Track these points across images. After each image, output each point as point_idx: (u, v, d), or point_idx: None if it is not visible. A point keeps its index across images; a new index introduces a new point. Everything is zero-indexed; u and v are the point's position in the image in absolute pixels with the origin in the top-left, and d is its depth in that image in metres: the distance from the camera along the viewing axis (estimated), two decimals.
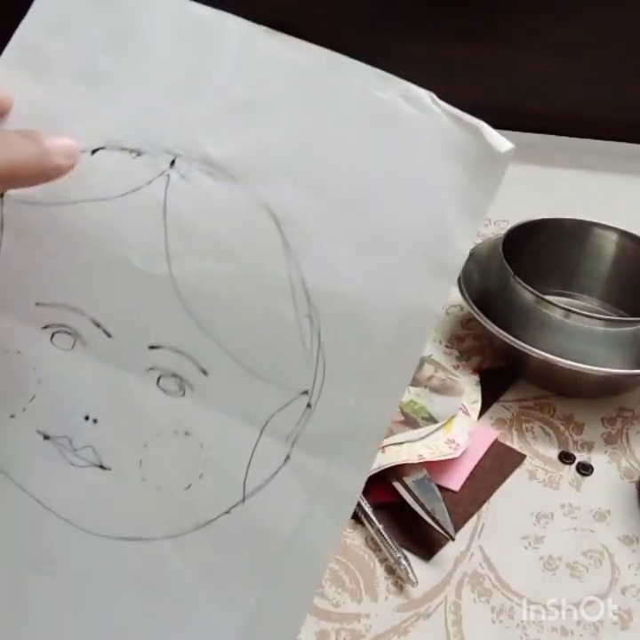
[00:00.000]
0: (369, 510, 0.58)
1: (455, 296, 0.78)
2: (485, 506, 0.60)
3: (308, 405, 0.31)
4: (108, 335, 0.32)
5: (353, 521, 0.58)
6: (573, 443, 0.66)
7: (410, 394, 0.66)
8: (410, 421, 0.63)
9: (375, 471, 0.58)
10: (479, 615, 0.53)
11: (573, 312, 0.67)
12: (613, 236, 0.79)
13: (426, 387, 0.67)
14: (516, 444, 0.66)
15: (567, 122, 1.08)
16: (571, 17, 1.03)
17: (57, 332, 0.32)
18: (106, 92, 0.32)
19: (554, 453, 0.65)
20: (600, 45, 1.04)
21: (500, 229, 0.87)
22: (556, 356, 0.65)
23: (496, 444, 0.65)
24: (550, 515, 0.60)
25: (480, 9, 0.99)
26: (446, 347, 0.74)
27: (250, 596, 0.32)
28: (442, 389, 0.67)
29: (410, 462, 0.59)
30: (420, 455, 0.60)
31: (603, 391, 0.70)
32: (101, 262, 0.32)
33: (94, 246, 0.32)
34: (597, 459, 0.65)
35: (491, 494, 0.61)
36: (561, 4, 1.02)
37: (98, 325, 0.32)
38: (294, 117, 0.31)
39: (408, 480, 0.58)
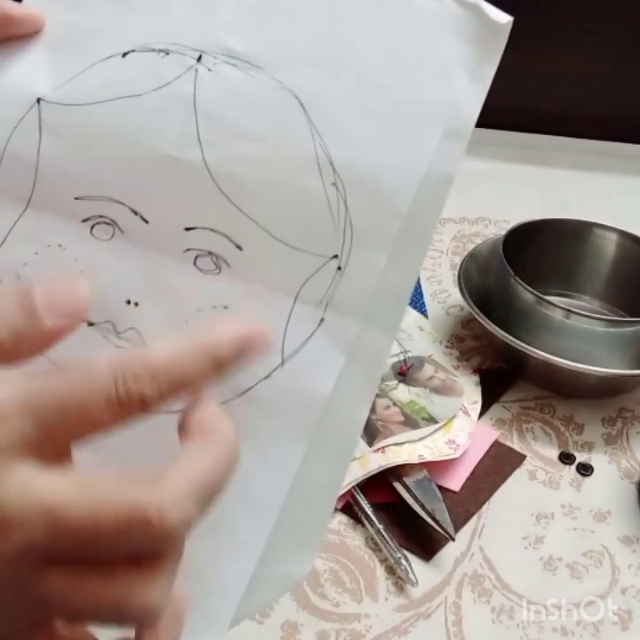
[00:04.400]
0: (369, 510, 0.58)
1: (455, 296, 0.78)
2: (485, 506, 0.60)
3: (339, 268, 0.33)
4: (146, 222, 0.34)
5: (353, 521, 0.58)
6: (573, 443, 0.66)
7: (410, 394, 0.66)
8: (410, 422, 0.63)
9: (375, 471, 0.58)
10: (479, 615, 0.53)
11: (573, 312, 0.67)
12: (613, 237, 0.79)
13: (426, 387, 0.67)
14: (516, 444, 0.66)
15: (567, 122, 1.08)
16: (570, 17, 1.03)
17: (96, 223, 0.34)
18: (131, 7, 0.35)
19: (554, 454, 0.65)
20: (600, 45, 1.04)
21: (501, 230, 0.87)
22: (556, 356, 0.65)
23: (496, 445, 0.65)
24: (550, 515, 0.60)
25: None
26: (446, 347, 0.74)
27: (293, 457, 0.33)
28: (442, 390, 0.67)
29: (410, 462, 0.59)
30: (421, 455, 0.60)
31: (603, 391, 0.70)
32: (136, 154, 0.34)
33: (129, 139, 0.34)
34: (597, 459, 0.65)
35: (491, 494, 0.61)
36: (561, 5, 1.02)
37: (135, 213, 0.34)
38: (307, 11, 0.34)
39: (408, 480, 0.58)
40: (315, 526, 0.35)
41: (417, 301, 0.80)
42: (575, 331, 0.67)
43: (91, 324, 0.34)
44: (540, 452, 0.65)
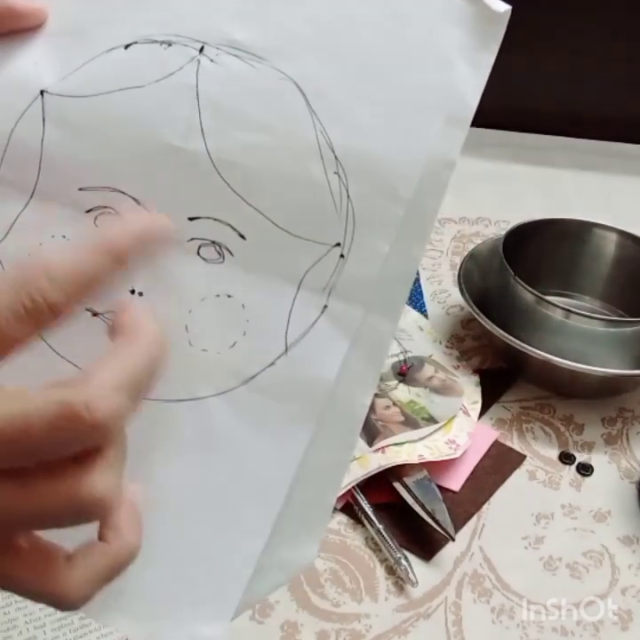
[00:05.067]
0: (369, 510, 0.58)
1: (455, 296, 0.78)
2: (485, 506, 0.60)
3: (342, 256, 0.34)
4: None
5: (353, 521, 0.58)
6: (573, 443, 0.66)
7: (410, 394, 0.66)
8: (410, 422, 0.63)
9: (375, 471, 0.58)
10: (479, 615, 0.53)
11: (573, 312, 0.67)
12: (613, 237, 0.79)
13: (426, 387, 0.67)
14: (516, 444, 0.66)
15: (567, 122, 1.08)
16: (571, 17, 1.03)
17: (100, 214, 0.34)
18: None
19: (554, 454, 0.65)
20: (600, 45, 1.04)
21: (501, 230, 0.87)
22: (556, 356, 0.65)
23: (496, 445, 0.65)
24: (550, 515, 0.60)
25: None
26: (446, 347, 0.74)
27: (298, 442, 0.34)
28: (442, 390, 0.67)
29: (410, 462, 0.59)
30: (421, 455, 0.60)
31: (603, 391, 0.70)
32: (139, 144, 0.34)
33: (132, 130, 0.34)
34: (597, 459, 0.65)
35: (491, 495, 0.61)
36: (561, 5, 1.02)
37: (138, 203, 0.34)
38: (308, 1, 0.35)
39: (408, 480, 0.58)
40: (320, 511, 0.35)
41: (417, 301, 0.80)
42: (575, 331, 0.67)
43: (95, 314, 0.34)
44: (540, 452, 0.65)
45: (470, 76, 0.33)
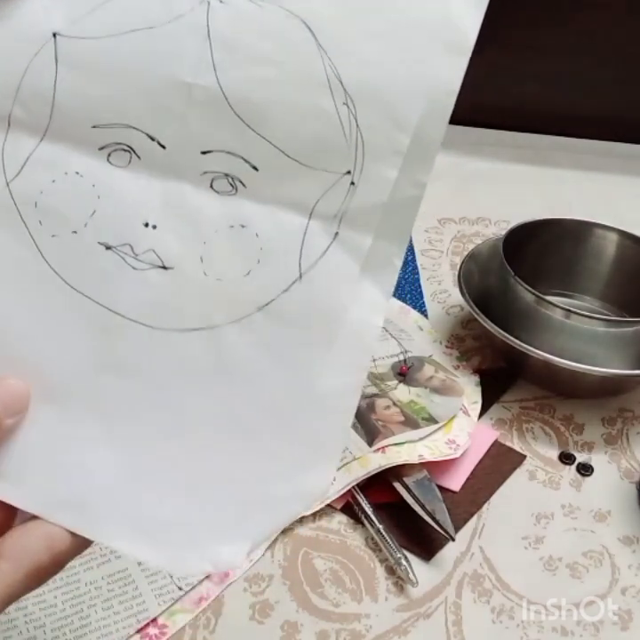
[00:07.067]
0: (369, 510, 0.58)
1: (455, 296, 0.78)
2: (485, 506, 0.60)
3: (352, 183, 0.35)
4: (163, 147, 0.35)
5: (353, 521, 0.58)
6: (573, 443, 0.66)
7: (410, 394, 0.66)
8: (410, 422, 0.63)
9: (375, 471, 0.58)
10: (479, 615, 0.53)
11: (574, 312, 0.67)
12: (613, 237, 0.79)
13: (426, 387, 0.67)
14: (516, 444, 0.66)
15: (567, 122, 1.08)
16: (570, 17, 1.03)
17: (114, 150, 0.35)
18: None
19: (554, 454, 0.65)
20: (599, 45, 1.05)
21: (501, 230, 0.87)
22: (557, 356, 0.65)
23: (496, 445, 0.65)
24: (550, 515, 0.60)
25: None
26: (446, 347, 0.74)
27: (314, 366, 0.35)
28: (442, 390, 0.67)
29: (410, 462, 0.59)
30: (421, 455, 0.60)
31: (603, 391, 0.70)
32: (152, 81, 0.35)
33: (144, 68, 0.35)
34: (597, 459, 0.65)
35: (491, 495, 0.61)
36: (559, 4, 1.02)
37: (152, 139, 0.35)
38: None
39: (408, 480, 0.58)
40: (335, 436, 0.36)
41: (417, 301, 0.80)
42: (575, 331, 0.67)
43: (108, 248, 0.35)
44: (539, 452, 0.65)
45: (468, 10, 0.35)
